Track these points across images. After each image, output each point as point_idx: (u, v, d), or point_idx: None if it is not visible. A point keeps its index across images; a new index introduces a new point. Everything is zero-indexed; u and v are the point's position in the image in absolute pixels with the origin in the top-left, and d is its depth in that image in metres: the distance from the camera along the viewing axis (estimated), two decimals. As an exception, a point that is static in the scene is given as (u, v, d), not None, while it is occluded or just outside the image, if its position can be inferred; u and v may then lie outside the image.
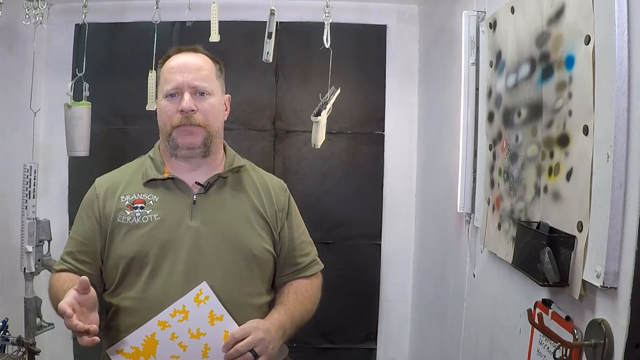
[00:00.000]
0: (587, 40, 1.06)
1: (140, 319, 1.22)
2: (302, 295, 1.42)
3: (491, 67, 1.62)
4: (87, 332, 1.12)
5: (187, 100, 1.31)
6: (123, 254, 1.30)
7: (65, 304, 1.11)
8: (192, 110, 1.31)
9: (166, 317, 1.22)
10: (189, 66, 1.34)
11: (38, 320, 2.12)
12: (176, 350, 1.22)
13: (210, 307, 1.24)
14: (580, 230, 1.07)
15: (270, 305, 1.41)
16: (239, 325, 1.24)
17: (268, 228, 1.40)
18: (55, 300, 1.29)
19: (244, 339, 1.21)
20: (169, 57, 1.39)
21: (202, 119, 1.33)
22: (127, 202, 1.34)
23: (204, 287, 1.24)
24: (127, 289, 1.29)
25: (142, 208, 1.33)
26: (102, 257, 1.35)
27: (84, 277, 1.16)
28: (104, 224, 1.34)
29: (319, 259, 1.51)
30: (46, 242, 2.14)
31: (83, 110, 2.17)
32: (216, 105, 1.37)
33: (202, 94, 1.34)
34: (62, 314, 1.11)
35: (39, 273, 2.11)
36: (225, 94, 1.45)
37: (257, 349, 1.21)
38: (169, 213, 1.33)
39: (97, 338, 1.14)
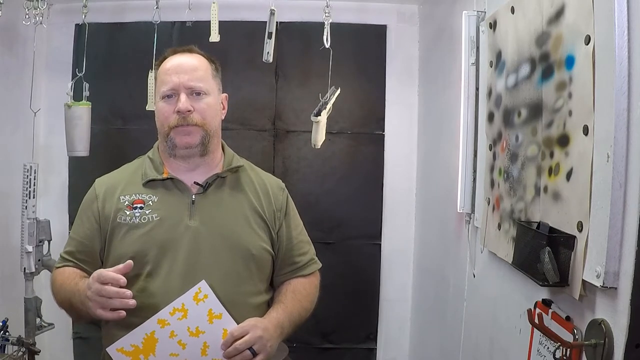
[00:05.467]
0: (587, 40, 1.06)
1: (139, 318, 1.23)
2: (300, 294, 1.43)
3: (491, 67, 1.62)
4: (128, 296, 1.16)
5: (183, 101, 1.32)
6: (123, 254, 1.31)
7: (111, 272, 1.16)
8: (189, 111, 1.32)
9: (166, 316, 1.23)
10: (184, 67, 1.35)
11: (38, 320, 2.12)
12: (175, 348, 1.23)
13: (210, 306, 1.24)
14: (580, 230, 1.07)
15: (269, 304, 1.42)
16: (238, 324, 1.25)
17: (266, 227, 1.41)
18: (62, 291, 1.31)
19: (242, 337, 1.22)
20: (164, 58, 1.40)
21: (199, 118, 1.34)
22: (126, 203, 1.35)
23: (203, 285, 1.25)
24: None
25: (141, 208, 1.34)
26: (101, 258, 1.36)
27: (130, 262, 1.20)
28: (103, 224, 1.35)
29: (316, 258, 1.52)
30: (46, 242, 2.14)
31: (83, 110, 2.17)
32: (212, 104, 1.38)
33: (198, 94, 1.35)
34: (107, 282, 1.15)
35: (39, 273, 2.12)
36: (223, 93, 1.46)
37: (256, 347, 1.23)
38: (168, 213, 1.33)
39: (122, 313, 1.17)
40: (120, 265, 1.18)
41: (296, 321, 1.38)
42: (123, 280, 1.15)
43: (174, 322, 1.23)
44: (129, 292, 1.16)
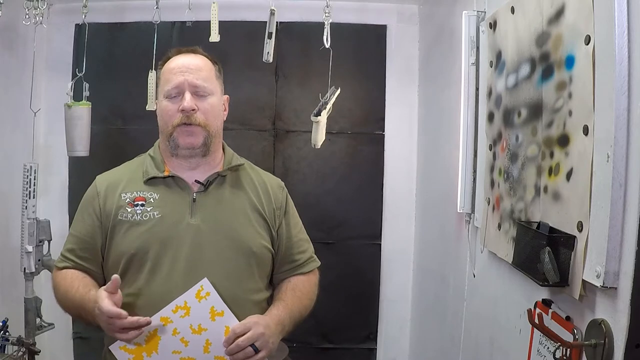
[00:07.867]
0: (587, 40, 1.06)
1: (141, 315, 1.23)
2: (300, 291, 1.44)
3: (491, 67, 1.62)
4: (143, 324, 1.18)
5: (187, 99, 1.32)
6: (124, 251, 1.31)
7: (112, 307, 1.16)
8: (193, 110, 1.33)
9: (168, 313, 1.23)
10: (189, 67, 1.35)
11: (38, 320, 2.12)
12: (178, 346, 1.23)
13: (212, 303, 1.25)
14: (580, 230, 1.07)
15: (269, 301, 1.43)
16: (239, 321, 1.25)
17: (266, 226, 1.42)
18: (67, 300, 1.31)
19: (244, 333, 1.23)
20: (169, 58, 1.40)
21: (203, 118, 1.34)
22: (127, 200, 1.35)
23: (205, 283, 1.25)
24: (128, 286, 1.30)
25: (142, 205, 1.34)
26: (102, 254, 1.37)
27: (116, 276, 1.19)
28: (104, 221, 1.35)
29: (315, 256, 1.53)
30: (46, 242, 2.14)
31: (83, 110, 2.17)
32: (216, 105, 1.39)
33: (202, 94, 1.35)
34: (113, 317, 1.16)
35: (39, 273, 2.11)
36: (224, 94, 1.46)
37: (258, 344, 1.23)
38: (170, 211, 1.34)
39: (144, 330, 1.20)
40: (110, 285, 1.19)
41: (296, 318, 1.39)
42: (124, 313, 1.16)
43: (177, 319, 1.23)
44: (142, 320, 1.17)
